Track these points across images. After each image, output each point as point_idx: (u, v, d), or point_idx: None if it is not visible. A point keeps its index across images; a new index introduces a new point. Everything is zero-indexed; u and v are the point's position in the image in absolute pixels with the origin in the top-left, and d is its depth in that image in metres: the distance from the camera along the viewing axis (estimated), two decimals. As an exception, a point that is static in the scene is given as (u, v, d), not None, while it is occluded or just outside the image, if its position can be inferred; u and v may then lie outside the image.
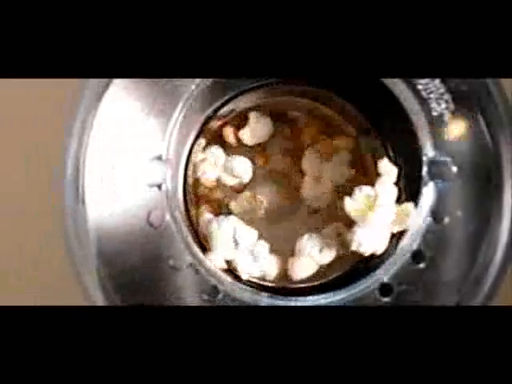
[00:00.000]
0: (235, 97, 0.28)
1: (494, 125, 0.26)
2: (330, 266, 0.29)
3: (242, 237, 0.27)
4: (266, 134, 0.30)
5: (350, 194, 0.26)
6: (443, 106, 0.26)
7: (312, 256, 0.27)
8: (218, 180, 0.30)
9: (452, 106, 0.26)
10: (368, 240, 0.26)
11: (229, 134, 0.30)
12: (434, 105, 0.26)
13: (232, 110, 0.29)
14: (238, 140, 0.30)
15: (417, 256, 0.25)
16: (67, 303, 0.24)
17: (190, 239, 0.25)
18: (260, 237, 0.28)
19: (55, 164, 0.25)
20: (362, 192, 0.26)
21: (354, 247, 0.26)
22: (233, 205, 0.30)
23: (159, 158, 0.25)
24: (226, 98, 0.28)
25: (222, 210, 0.30)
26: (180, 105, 0.25)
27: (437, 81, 0.26)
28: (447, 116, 0.26)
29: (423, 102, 0.26)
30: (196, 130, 0.29)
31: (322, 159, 0.30)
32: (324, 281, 0.28)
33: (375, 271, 0.25)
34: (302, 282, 0.29)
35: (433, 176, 0.26)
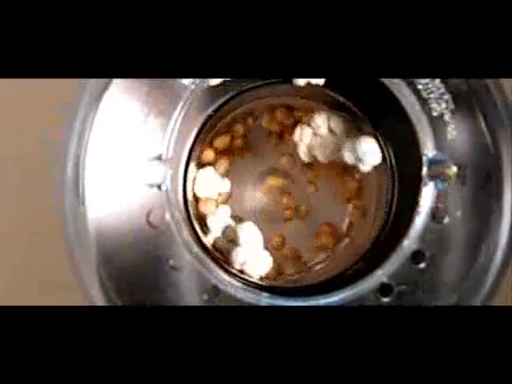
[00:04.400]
0: (235, 97, 0.29)
1: (494, 125, 0.26)
2: (330, 265, 0.29)
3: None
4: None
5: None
6: (443, 105, 0.26)
7: None
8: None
9: (452, 106, 0.26)
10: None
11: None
12: (434, 105, 0.26)
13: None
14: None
15: (417, 256, 0.25)
16: (67, 303, 0.24)
17: (190, 239, 0.25)
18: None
19: (55, 164, 0.25)
20: None
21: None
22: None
23: (159, 158, 0.25)
24: (226, 97, 0.28)
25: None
26: (180, 105, 0.25)
27: (437, 81, 0.26)
28: (447, 116, 0.26)
29: (423, 102, 0.26)
30: (196, 130, 0.29)
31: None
32: (324, 281, 0.28)
33: (375, 271, 0.25)
34: (302, 281, 0.29)
35: (433, 176, 0.26)
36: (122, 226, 0.25)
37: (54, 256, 0.27)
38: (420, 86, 0.26)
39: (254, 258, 0.28)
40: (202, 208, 0.29)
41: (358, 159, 0.27)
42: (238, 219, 0.30)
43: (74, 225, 0.25)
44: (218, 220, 0.29)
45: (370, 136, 0.28)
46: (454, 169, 0.26)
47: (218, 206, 0.30)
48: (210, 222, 0.29)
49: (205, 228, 0.29)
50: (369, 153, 0.27)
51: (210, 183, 0.29)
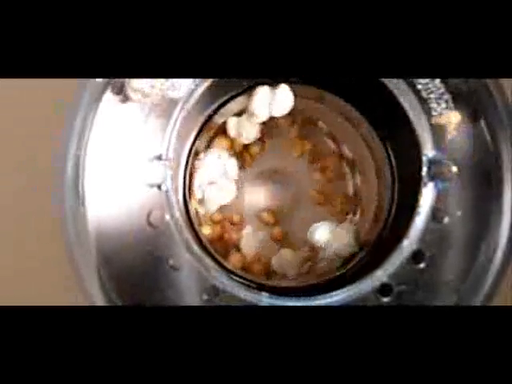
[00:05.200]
0: (235, 97, 0.28)
1: (494, 125, 0.26)
2: (329, 265, 0.29)
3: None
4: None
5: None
6: (443, 105, 0.26)
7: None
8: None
9: (452, 106, 0.26)
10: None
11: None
12: (433, 105, 0.26)
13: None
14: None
15: (417, 256, 0.25)
16: (67, 303, 0.24)
17: (190, 239, 0.25)
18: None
19: (55, 164, 0.25)
20: None
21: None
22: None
23: (159, 158, 0.25)
24: (226, 97, 0.28)
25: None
26: (180, 105, 0.25)
27: (437, 81, 0.26)
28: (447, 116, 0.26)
29: (423, 102, 0.26)
30: (196, 130, 0.29)
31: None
32: (324, 281, 0.28)
33: (375, 271, 0.25)
34: (302, 281, 0.29)
35: (433, 176, 0.26)
36: (122, 227, 0.25)
37: (53, 256, 0.27)
38: (420, 86, 0.26)
39: (337, 240, 0.29)
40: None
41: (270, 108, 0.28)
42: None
43: (73, 225, 0.25)
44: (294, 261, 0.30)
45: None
46: (454, 169, 0.26)
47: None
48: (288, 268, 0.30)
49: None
50: (281, 100, 0.28)
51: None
